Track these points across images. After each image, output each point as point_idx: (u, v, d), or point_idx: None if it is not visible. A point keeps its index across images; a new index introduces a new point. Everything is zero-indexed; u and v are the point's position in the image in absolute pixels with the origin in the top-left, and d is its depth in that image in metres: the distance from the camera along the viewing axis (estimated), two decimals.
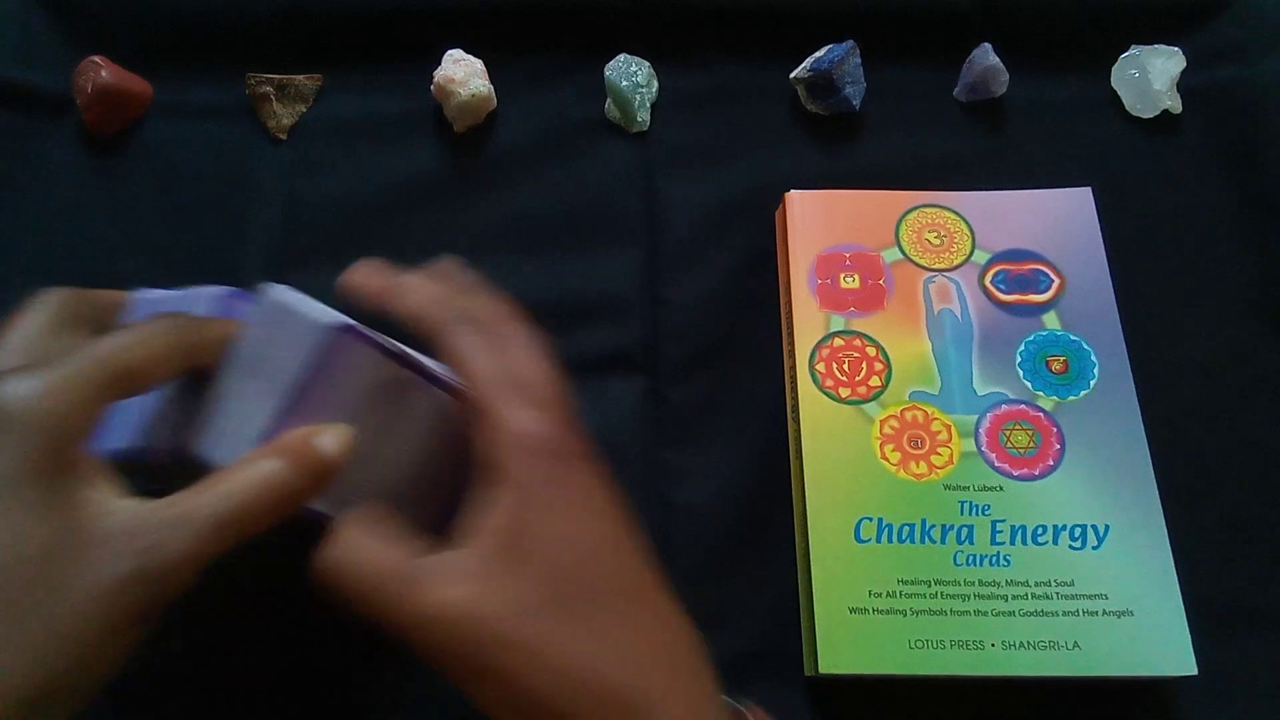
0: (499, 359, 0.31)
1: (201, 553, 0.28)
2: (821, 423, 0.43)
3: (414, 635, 0.28)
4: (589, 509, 0.30)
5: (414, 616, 0.28)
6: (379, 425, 0.32)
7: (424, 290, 0.33)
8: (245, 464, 0.30)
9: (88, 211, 0.50)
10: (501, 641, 0.27)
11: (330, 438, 0.31)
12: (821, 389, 0.44)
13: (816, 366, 0.45)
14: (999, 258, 0.47)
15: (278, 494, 0.30)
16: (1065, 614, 0.40)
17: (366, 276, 0.33)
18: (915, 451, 0.43)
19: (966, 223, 0.48)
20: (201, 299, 0.34)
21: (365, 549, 0.29)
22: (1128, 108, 0.53)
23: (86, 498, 0.28)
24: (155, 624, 0.28)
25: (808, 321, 0.46)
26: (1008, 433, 0.43)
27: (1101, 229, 0.48)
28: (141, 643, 0.28)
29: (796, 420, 0.44)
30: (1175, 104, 0.53)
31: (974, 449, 0.43)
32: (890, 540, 0.41)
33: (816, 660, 0.39)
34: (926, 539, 0.41)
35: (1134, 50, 0.53)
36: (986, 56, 0.52)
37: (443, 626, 0.27)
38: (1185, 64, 0.53)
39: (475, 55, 0.52)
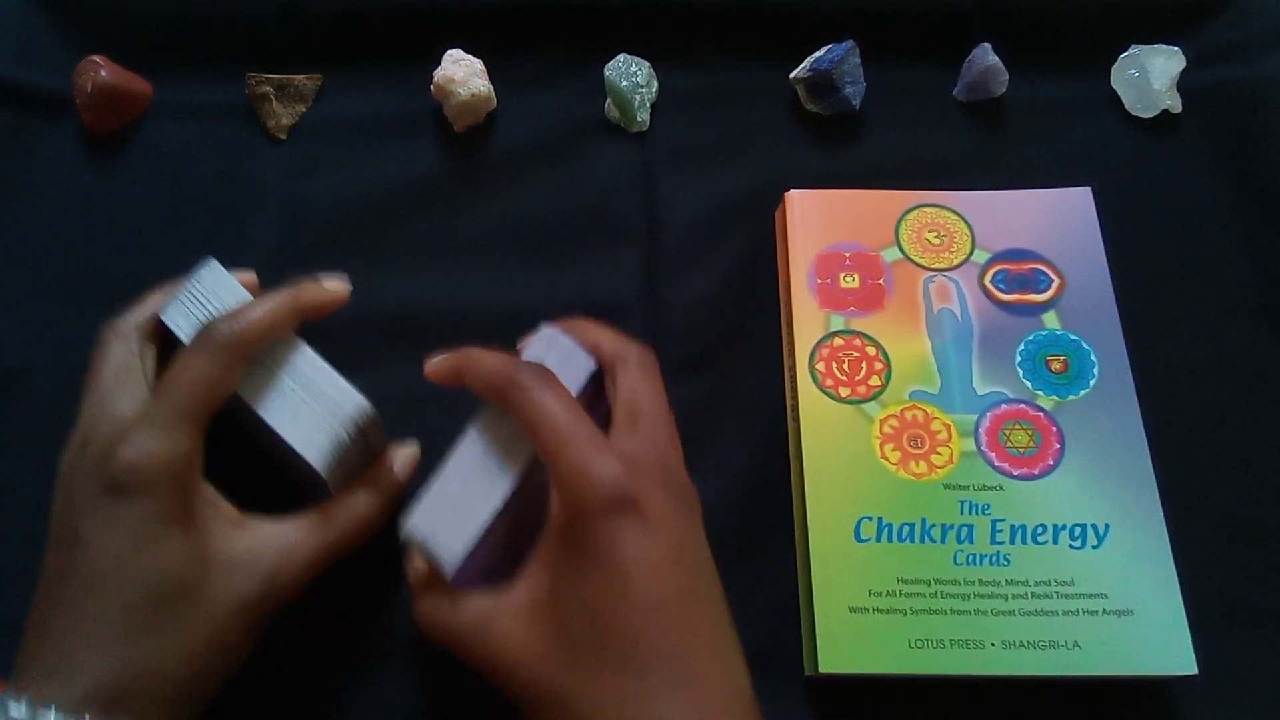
0: (567, 407, 0.33)
1: (309, 574, 0.36)
2: (821, 422, 0.43)
3: (484, 671, 0.32)
4: (622, 560, 0.30)
5: (481, 660, 0.32)
6: (517, 527, 0.36)
7: (490, 359, 0.35)
8: (347, 500, 0.38)
9: (88, 211, 0.50)
10: (532, 684, 0.31)
11: (400, 458, 0.40)
12: (821, 388, 0.44)
13: (816, 366, 0.45)
14: (999, 257, 0.47)
15: (368, 527, 0.38)
16: (1065, 613, 0.40)
17: (437, 366, 0.37)
18: (915, 451, 0.43)
19: (966, 222, 0.48)
20: None
21: (440, 611, 0.34)
22: (1128, 107, 0.53)
23: (212, 526, 0.34)
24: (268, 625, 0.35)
25: (807, 321, 0.46)
26: (1008, 432, 0.43)
27: (1101, 229, 0.48)
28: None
29: (796, 420, 0.44)
30: (1175, 104, 0.53)
31: (974, 448, 0.43)
32: (890, 540, 0.41)
33: (816, 660, 0.39)
34: (926, 538, 0.41)
35: (1134, 50, 0.53)
36: (986, 56, 0.52)
37: (492, 667, 0.32)
38: (1185, 64, 0.53)
39: (475, 55, 0.52)
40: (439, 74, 0.51)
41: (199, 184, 0.51)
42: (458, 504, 0.34)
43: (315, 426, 0.36)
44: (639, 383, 0.36)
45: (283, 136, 0.52)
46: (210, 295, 0.38)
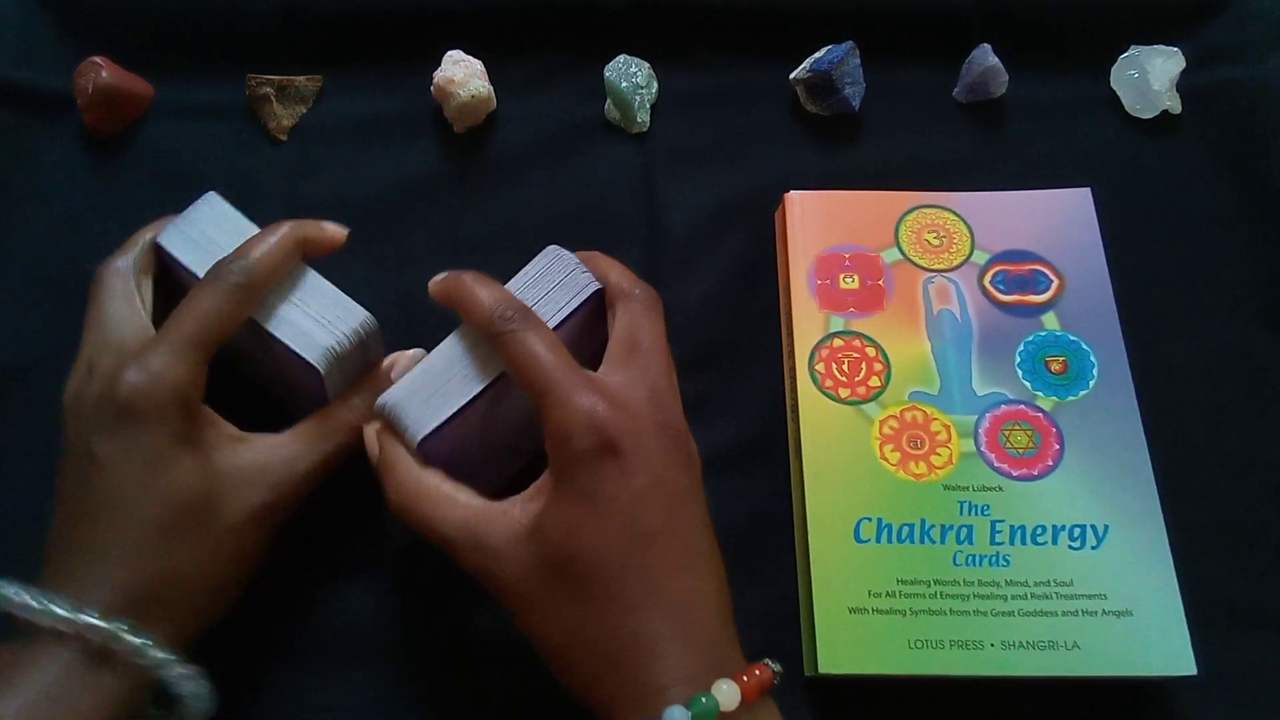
0: (550, 348, 0.35)
1: (313, 482, 0.38)
2: (821, 423, 0.43)
3: (475, 572, 0.35)
4: (609, 494, 0.33)
5: (462, 564, 0.35)
6: (496, 424, 0.39)
7: (481, 294, 0.37)
8: (340, 409, 0.39)
9: (88, 212, 0.50)
10: (509, 593, 0.34)
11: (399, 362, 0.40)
12: (821, 389, 0.44)
13: (816, 367, 0.45)
14: (998, 258, 0.47)
15: (357, 436, 0.39)
16: (1064, 614, 0.40)
17: (436, 285, 0.38)
18: (915, 452, 0.43)
19: (966, 223, 0.48)
20: None
21: (438, 499, 0.35)
22: (1127, 108, 0.53)
23: (217, 445, 0.36)
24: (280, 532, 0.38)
25: (807, 322, 0.46)
26: (1007, 433, 0.43)
27: (1101, 229, 0.48)
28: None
29: (796, 420, 0.44)
30: (1175, 104, 0.53)
31: (973, 449, 0.43)
32: (890, 540, 0.41)
33: (816, 660, 0.39)
34: (926, 539, 0.41)
35: (1134, 50, 0.53)
36: (986, 57, 0.52)
37: (478, 577, 0.35)
38: (1185, 64, 0.53)
39: (475, 55, 0.52)
40: (439, 75, 0.51)
41: (199, 185, 0.50)
42: (435, 389, 0.36)
43: (316, 331, 0.38)
44: (640, 317, 0.37)
45: (283, 137, 0.52)
46: (214, 227, 0.39)
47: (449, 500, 0.35)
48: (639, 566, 0.33)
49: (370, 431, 0.38)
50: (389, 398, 0.37)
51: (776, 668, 0.33)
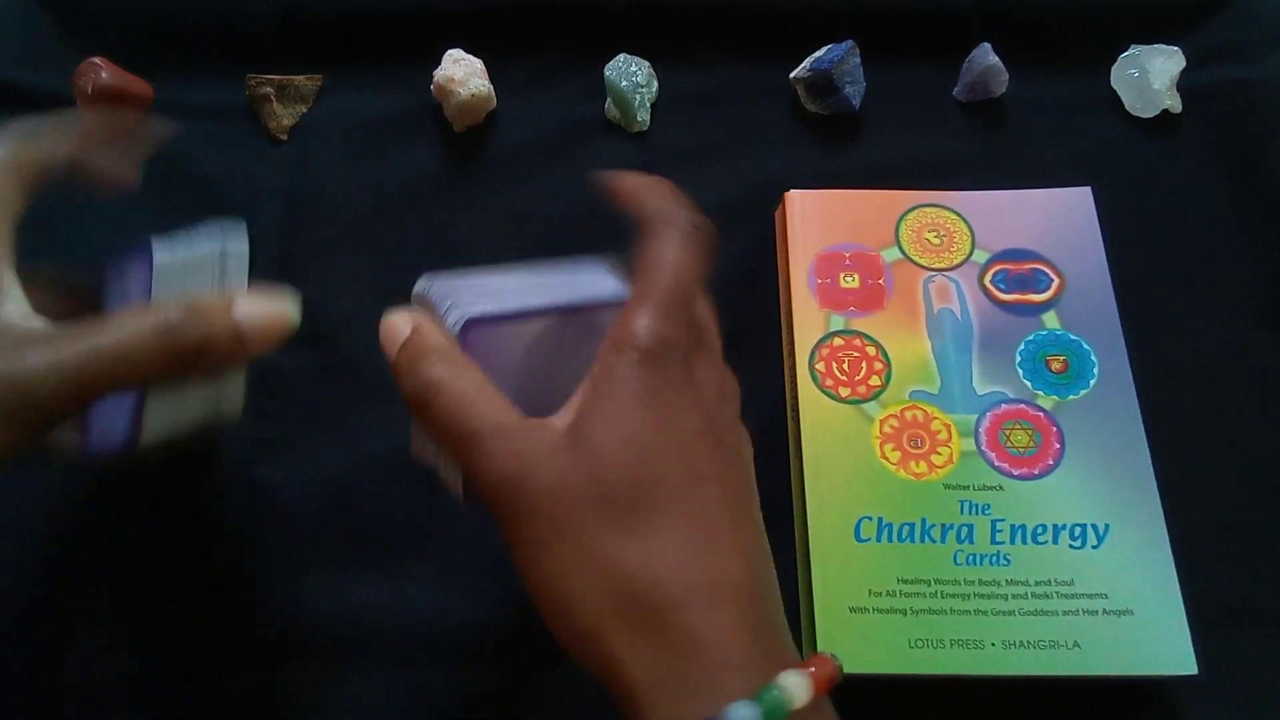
0: (690, 266, 0.31)
1: (68, 376, 0.29)
2: (821, 422, 0.43)
3: (478, 483, 0.29)
4: (664, 414, 0.29)
5: (483, 469, 0.28)
6: (546, 368, 0.33)
7: (651, 194, 0.34)
8: (146, 310, 0.30)
9: (87, 211, 0.50)
10: (535, 514, 0.28)
11: (253, 306, 0.31)
12: (821, 388, 0.44)
13: (816, 366, 0.45)
14: (999, 257, 0.47)
15: (171, 340, 0.30)
16: (1065, 613, 0.40)
17: (618, 181, 0.36)
18: (915, 451, 0.43)
19: (966, 222, 0.48)
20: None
21: (474, 393, 0.29)
22: (1128, 107, 0.53)
23: None
24: (25, 448, 0.29)
25: (807, 321, 0.46)
26: (1007, 432, 0.43)
27: (1101, 229, 0.48)
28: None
29: (796, 420, 0.44)
30: (1175, 104, 0.53)
31: (974, 448, 0.43)
32: (890, 540, 0.41)
33: None
34: (926, 538, 0.41)
35: (1134, 50, 0.53)
36: (986, 56, 0.52)
37: (500, 487, 0.28)
38: (1185, 64, 0.53)
39: (475, 55, 0.52)
40: (439, 74, 0.51)
41: (199, 185, 0.51)
42: (495, 290, 0.32)
43: (180, 240, 0.34)
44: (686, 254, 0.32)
45: (283, 137, 0.52)
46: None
47: (485, 392, 0.29)
48: (696, 505, 0.28)
49: (396, 317, 0.32)
50: (433, 280, 0.32)
51: (839, 661, 0.28)
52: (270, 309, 0.32)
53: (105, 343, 0.29)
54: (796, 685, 0.25)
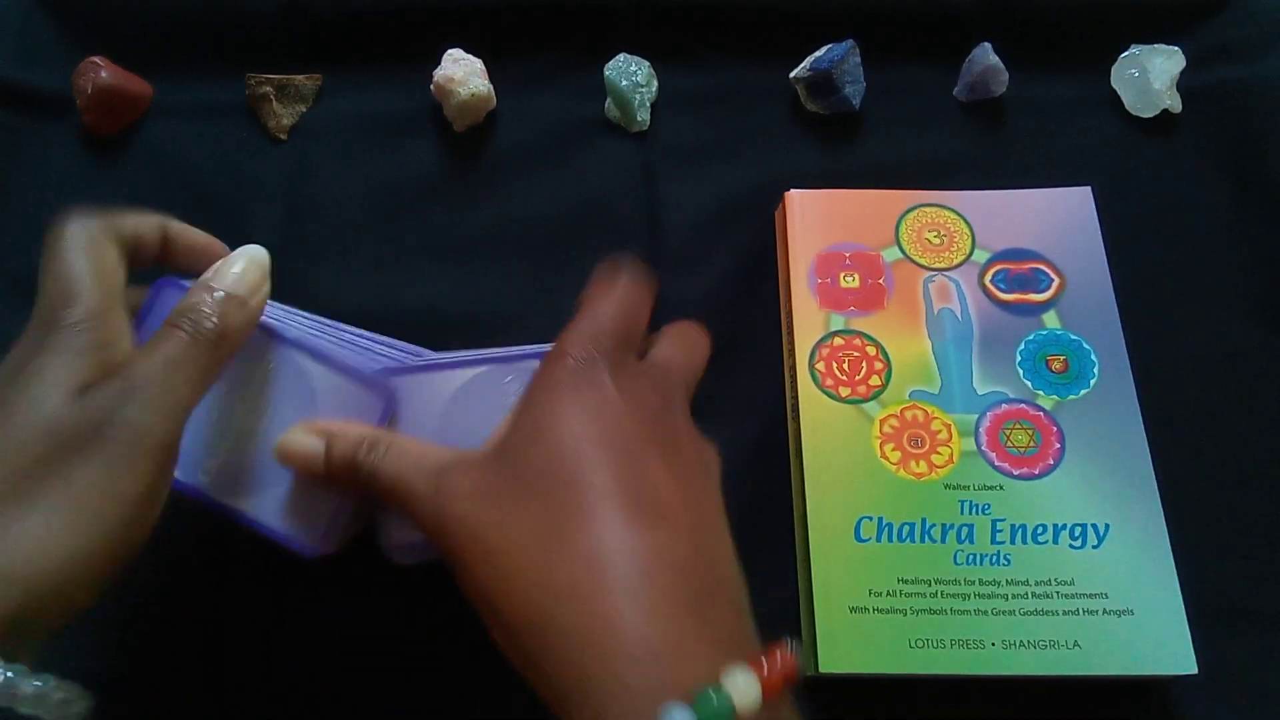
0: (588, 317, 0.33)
1: (172, 410, 0.31)
2: (821, 422, 0.43)
3: (424, 523, 0.30)
4: (583, 410, 0.30)
5: (425, 511, 0.30)
6: (479, 408, 0.36)
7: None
8: (168, 329, 0.33)
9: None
10: (459, 520, 0.29)
11: (226, 278, 0.35)
12: (821, 388, 0.44)
13: (816, 366, 0.45)
14: (999, 257, 0.47)
15: (204, 339, 0.33)
16: (1065, 613, 0.40)
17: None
18: (915, 451, 0.43)
19: (966, 222, 0.48)
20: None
21: (405, 454, 0.32)
22: (1128, 107, 0.53)
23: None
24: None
25: (807, 321, 0.46)
26: (1008, 432, 0.43)
27: (1101, 228, 0.48)
28: None
29: (796, 419, 0.44)
30: (1175, 103, 0.53)
31: (974, 448, 0.43)
32: (890, 539, 0.41)
33: (816, 660, 0.39)
34: (926, 538, 0.41)
35: (1134, 50, 0.53)
36: (986, 56, 0.52)
37: (433, 508, 0.30)
38: (1185, 63, 0.53)
39: (475, 55, 0.52)
40: (439, 74, 0.51)
41: (199, 185, 0.51)
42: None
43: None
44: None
45: (283, 137, 0.52)
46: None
47: (412, 453, 0.32)
48: (633, 493, 0.28)
49: (298, 436, 0.34)
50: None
51: (794, 652, 0.27)
52: (238, 266, 0.35)
53: (162, 365, 0.32)
54: (744, 685, 0.24)
